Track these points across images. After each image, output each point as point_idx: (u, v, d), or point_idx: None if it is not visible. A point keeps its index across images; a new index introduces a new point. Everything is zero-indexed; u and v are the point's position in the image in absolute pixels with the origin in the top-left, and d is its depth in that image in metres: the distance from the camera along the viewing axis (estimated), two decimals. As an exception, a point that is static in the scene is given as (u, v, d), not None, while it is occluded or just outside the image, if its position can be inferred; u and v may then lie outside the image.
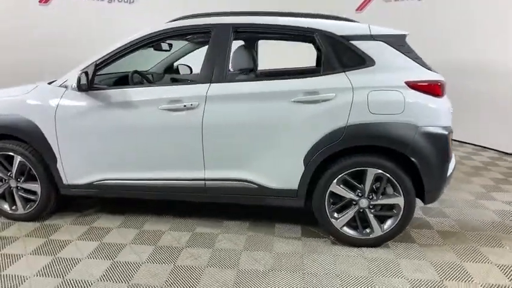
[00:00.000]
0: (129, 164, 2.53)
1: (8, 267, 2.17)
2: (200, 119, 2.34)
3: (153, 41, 2.52)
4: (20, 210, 2.74)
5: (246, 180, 2.42)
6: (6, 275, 2.08)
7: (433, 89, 2.23)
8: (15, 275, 2.08)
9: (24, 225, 2.69)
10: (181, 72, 3.90)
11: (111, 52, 2.50)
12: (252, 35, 2.54)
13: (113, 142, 2.48)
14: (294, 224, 2.71)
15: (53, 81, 2.75)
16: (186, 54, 3.66)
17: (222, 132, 2.35)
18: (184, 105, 2.34)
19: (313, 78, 2.32)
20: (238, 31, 2.43)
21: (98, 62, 2.49)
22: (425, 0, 5.44)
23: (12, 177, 2.68)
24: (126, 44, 2.49)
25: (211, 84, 2.36)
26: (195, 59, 3.65)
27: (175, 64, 3.81)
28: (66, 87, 2.52)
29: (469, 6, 4.96)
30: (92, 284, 2.02)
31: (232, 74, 2.53)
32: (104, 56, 2.50)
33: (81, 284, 2.01)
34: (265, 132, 2.32)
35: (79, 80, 2.30)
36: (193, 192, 2.53)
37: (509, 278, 2.08)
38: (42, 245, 2.43)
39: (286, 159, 2.34)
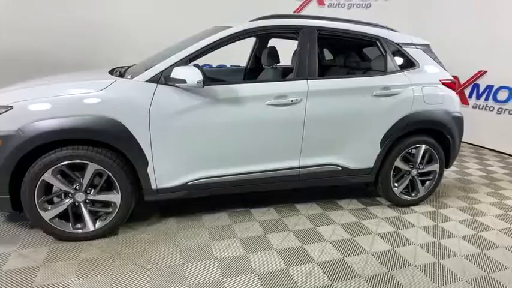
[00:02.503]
0: (230, 160, 2.52)
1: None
2: (303, 113, 2.57)
3: (244, 37, 2.55)
4: (89, 227, 2.33)
5: (333, 164, 2.79)
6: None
7: (453, 85, 3.10)
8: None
9: (97, 244, 2.32)
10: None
11: (205, 46, 2.41)
12: (328, 38, 2.82)
13: (216, 138, 2.43)
14: (350, 198, 3.23)
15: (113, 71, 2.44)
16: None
17: (319, 123, 2.64)
18: (292, 101, 2.52)
19: (385, 76, 2.84)
20: (321, 33, 2.73)
21: (191, 57, 2.38)
22: (352, 11, 6.60)
23: (80, 190, 2.25)
24: (219, 39, 2.44)
25: (308, 80, 2.61)
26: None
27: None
28: (156, 81, 2.29)
29: (391, 15, 6.23)
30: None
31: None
32: (198, 50, 2.40)
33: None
34: (352, 121, 2.74)
35: (199, 75, 2.18)
36: (288, 181, 2.72)
37: (502, 209, 3.17)
38: (147, 258, 2.21)
39: (366, 143, 2.83)
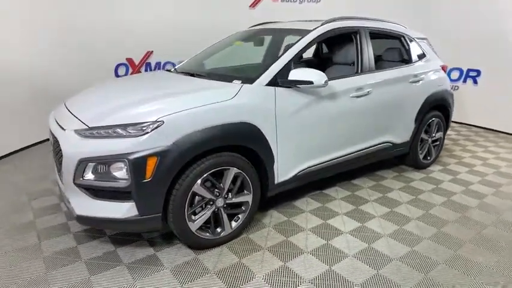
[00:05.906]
0: (329, 146, 2.89)
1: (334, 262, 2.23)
2: (373, 101, 3.07)
3: (323, 38, 2.88)
4: (227, 230, 2.42)
5: (388, 142, 3.39)
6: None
7: (445, 69, 4.00)
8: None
9: (236, 245, 2.43)
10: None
11: (302, 49, 2.70)
12: (372, 36, 3.31)
13: (320, 129, 2.76)
14: (384, 169, 3.88)
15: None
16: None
17: (382, 108, 3.19)
18: (368, 91, 2.98)
19: (412, 66, 3.52)
20: (370, 32, 3.23)
21: (294, 60, 2.63)
22: (303, 5, 7.25)
23: (220, 195, 2.32)
24: (308, 43, 2.74)
25: (373, 73, 3.10)
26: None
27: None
28: (273, 84, 2.48)
29: (339, 10, 7.07)
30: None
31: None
32: (298, 53, 2.67)
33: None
34: (400, 105, 3.37)
35: (324, 76, 2.47)
36: (363, 160, 3.22)
37: (481, 160, 4.27)
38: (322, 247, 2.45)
39: (407, 121, 3.50)
